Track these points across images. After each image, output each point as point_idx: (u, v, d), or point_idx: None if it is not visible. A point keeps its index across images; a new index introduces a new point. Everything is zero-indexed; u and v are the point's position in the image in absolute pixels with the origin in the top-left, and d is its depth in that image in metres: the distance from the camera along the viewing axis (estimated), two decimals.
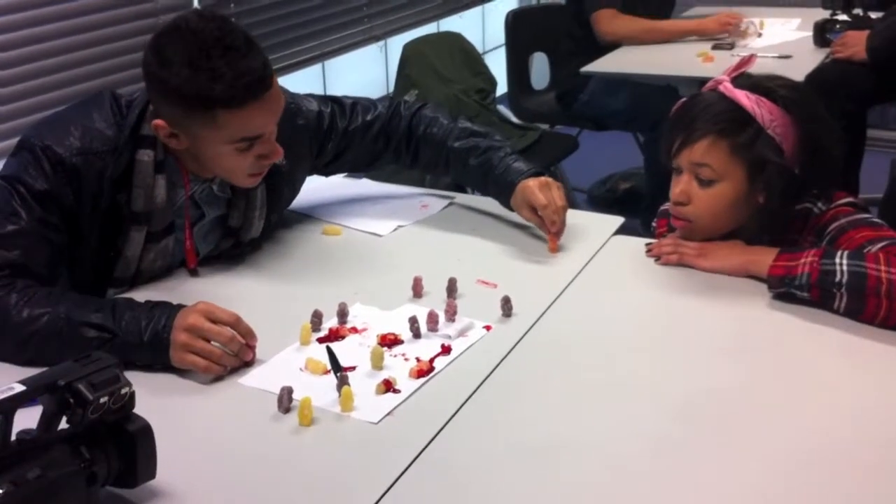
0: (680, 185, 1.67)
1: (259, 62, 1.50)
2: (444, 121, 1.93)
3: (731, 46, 3.45)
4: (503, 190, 1.84)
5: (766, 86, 1.64)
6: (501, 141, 1.91)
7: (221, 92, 1.47)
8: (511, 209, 1.85)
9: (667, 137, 1.70)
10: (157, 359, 1.41)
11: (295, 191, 1.92)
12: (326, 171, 1.99)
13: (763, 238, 1.65)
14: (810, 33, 3.48)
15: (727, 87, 1.64)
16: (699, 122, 1.64)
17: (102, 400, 1.03)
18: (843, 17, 3.43)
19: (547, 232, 1.79)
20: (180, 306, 1.44)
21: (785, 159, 1.60)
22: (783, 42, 3.55)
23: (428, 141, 1.92)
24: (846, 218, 1.60)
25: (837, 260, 1.49)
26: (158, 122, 1.55)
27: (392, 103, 1.97)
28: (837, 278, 1.48)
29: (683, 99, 1.73)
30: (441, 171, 1.99)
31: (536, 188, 1.77)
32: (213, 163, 1.61)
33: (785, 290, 1.55)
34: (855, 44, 3.14)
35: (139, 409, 1.09)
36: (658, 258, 1.74)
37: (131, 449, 1.08)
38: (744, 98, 1.61)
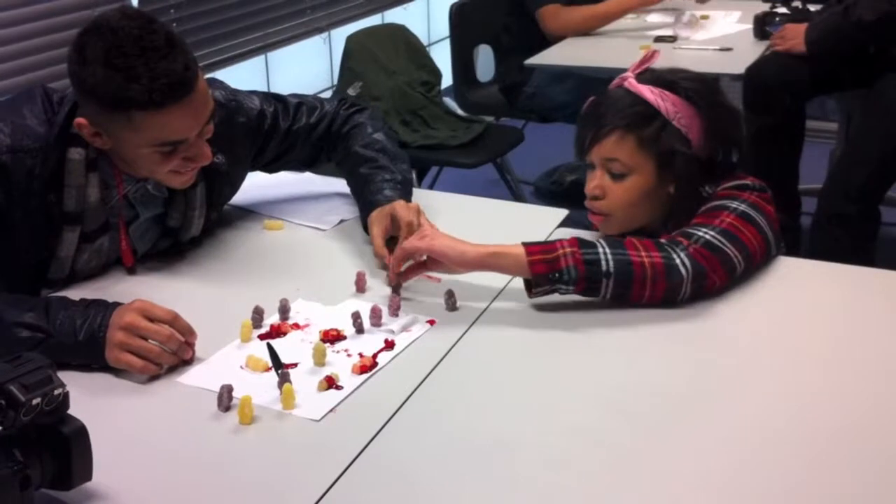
0: (594, 181, 1.70)
1: (180, 64, 1.45)
2: (368, 129, 1.91)
3: (674, 39, 3.48)
4: (369, 205, 1.77)
5: (668, 79, 1.68)
6: (403, 171, 1.86)
7: (136, 93, 1.42)
8: (366, 227, 1.77)
9: (579, 134, 1.73)
10: (93, 358, 1.38)
11: (235, 188, 1.90)
12: (268, 170, 1.97)
13: (667, 226, 1.67)
14: (751, 26, 3.53)
15: (632, 83, 1.68)
16: (607, 118, 1.68)
17: (35, 401, 1.00)
18: (782, 9, 3.48)
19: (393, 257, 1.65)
20: (116, 304, 1.41)
21: (692, 149, 1.64)
22: (724, 35, 3.58)
23: (343, 139, 1.91)
24: (711, 202, 1.63)
25: (600, 250, 1.50)
26: (81, 120, 1.51)
27: (338, 103, 1.95)
28: (604, 268, 1.49)
29: (593, 98, 1.76)
30: (342, 171, 1.94)
31: (406, 207, 1.71)
32: (136, 164, 1.57)
33: (550, 289, 1.52)
34: (794, 36, 3.18)
35: (74, 410, 1.07)
36: None
37: (66, 451, 1.06)
38: (647, 92, 1.65)
